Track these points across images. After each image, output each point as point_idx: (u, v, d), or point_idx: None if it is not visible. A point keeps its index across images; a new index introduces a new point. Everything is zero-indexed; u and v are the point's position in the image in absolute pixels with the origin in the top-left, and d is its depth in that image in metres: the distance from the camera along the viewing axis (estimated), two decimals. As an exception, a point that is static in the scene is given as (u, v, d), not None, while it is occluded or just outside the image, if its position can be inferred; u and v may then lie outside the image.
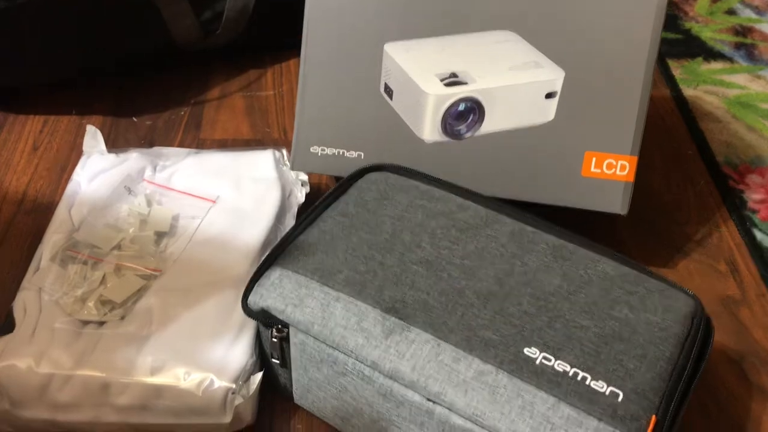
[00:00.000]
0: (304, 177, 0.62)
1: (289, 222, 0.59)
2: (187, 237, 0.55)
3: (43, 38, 0.70)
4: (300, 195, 0.61)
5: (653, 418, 0.40)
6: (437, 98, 0.55)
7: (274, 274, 0.47)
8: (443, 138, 0.56)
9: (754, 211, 0.67)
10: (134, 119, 0.75)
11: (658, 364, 0.42)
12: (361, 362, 0.43)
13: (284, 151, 0.63)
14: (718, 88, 0.83)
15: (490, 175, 0.56)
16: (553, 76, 0.54)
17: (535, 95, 0.54)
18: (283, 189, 0.60)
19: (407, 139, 0.56)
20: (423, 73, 0.55)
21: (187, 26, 0.77)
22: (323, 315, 0.44)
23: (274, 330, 0.46)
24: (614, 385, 0.41)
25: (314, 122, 0.58)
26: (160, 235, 0.56)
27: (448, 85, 0.55)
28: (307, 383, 0.47)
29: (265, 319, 0.46)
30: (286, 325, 0.46)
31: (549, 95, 0.54)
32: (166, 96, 0.79)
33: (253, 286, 0.47)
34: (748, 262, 0.62)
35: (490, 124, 0.55)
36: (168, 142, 0.73)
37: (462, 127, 0.55)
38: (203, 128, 0.75)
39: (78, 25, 0.71)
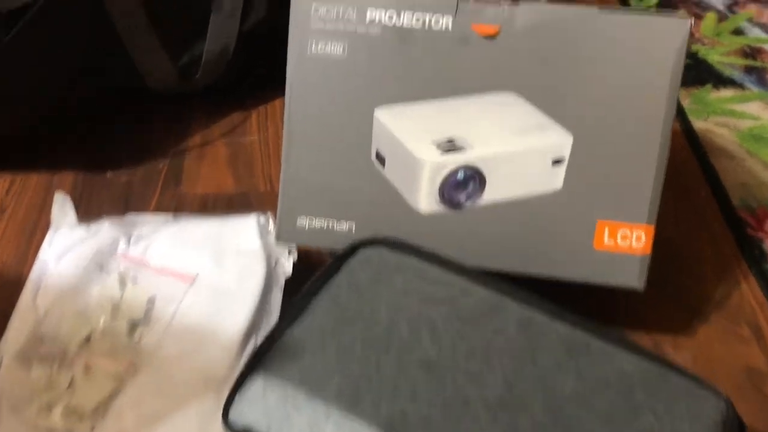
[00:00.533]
0: (292, 245, 0.57)
1: (276, 299, 0.54)
2: (163, 325, 0.51)
3: None
4: (287, 265, 0.56)
5: None
6: (433, 166, 0.50)
7: (258, 384, 0.42)
8: (441, 209, 0.51)
9: (775, 264, 0.62)
10: (108, 175, 0.70)
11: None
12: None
13: (269, 216, 0.58)
14: (729, 119, 0.78)
15: (493, 248, 0.51)
16: (560, 141, 0.49)
17: (541, 162, 0.50)
18: (269, 260, 0.55)
19: (403, 210, 0.52)
20: (417, 140, 0.50)
21: (163, 72, 0.71)
22: (313, 435, 0.40)
23: (258, 448, 0.41)
24: None
25: (301, 190, 0.53)
26: (133, 324, 0.51)
27: (445, 152, 0.50)
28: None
29: (249, 436, 0.42)
30: (272, 444, 0.41)
31: (556, 162, 0.49)
32: (143, 145, 0.74)
33: (233, 398, 0.42)
34: (772, 324, 0.58)
35: (492, 193, 0.50)
36: (145, 201, 0.68)
37: (461, 197, 0.51)
38: (184, 182, 0.70)
39: (39, 69, 0.65)
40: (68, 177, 0.70)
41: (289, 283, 0.56)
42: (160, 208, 0.67)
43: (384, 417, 0.40)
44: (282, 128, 0.76)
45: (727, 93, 0.82)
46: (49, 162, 0.71)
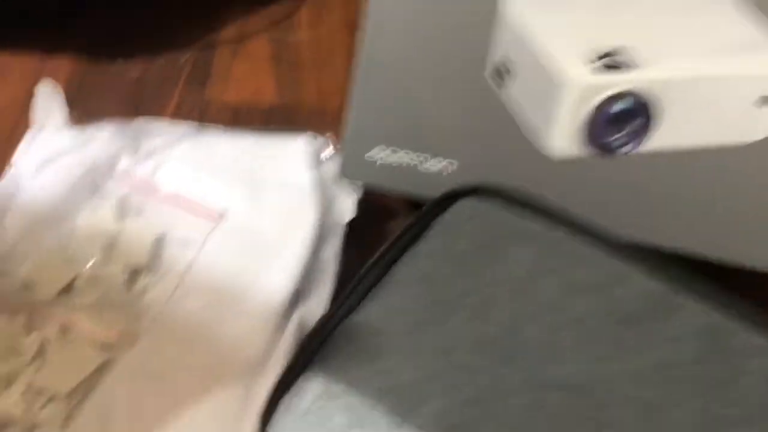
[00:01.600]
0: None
1: (330, 256, 0.39)
2: (174, 278, 0.36)
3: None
4: (347, 211, 0.41)
5: None
6: (582, 89, 0.34)
7: (312, 391, 0.28)
8: (584, 152, 0.36)
9: None
10: (116, 66, 0.55)
11: None
12: None
13: (327, 140, 0.43)
14: None
15: (657, 217, 0.36)
16: (779, 69, 0.33)
17: (743, 97, 0.34)
18: (322, 202, 0.40)
19: (524, 150, 0.36)
20: (561, 49, 0.34)
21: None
22: (398, 487, 0.26)
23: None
24: None
25: (379, 109, 0.37)
26: (134, 273, 0.36)
27: (601, 69, 0.34)
28: None
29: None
30: (330, 487, 0.27)
31: (767, 100, 0.34)
32: (163, 32, 0.58)
33: (274, 409, 0.28)
34: None
35: (662, 137, 0.35)
36: (160, 105, 0.52)
37: (617, 138, 0.35)
38: (211, 84, 0.54)
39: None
40: (64, 64, 0.54)
41: (347, 236, 0.41)
42: (178, 115, 0.51)
43: (512, 473, 0.26)
44: (341, 26, 0.60)
45: None
46: (41, 41, 0.56)
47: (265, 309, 0.35)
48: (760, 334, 0.30)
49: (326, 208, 0.40)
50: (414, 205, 0.46)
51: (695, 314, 0.31)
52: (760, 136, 0.34)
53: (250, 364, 0.33)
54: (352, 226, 0.41)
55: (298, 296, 0.36)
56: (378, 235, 0.46)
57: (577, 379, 0.28)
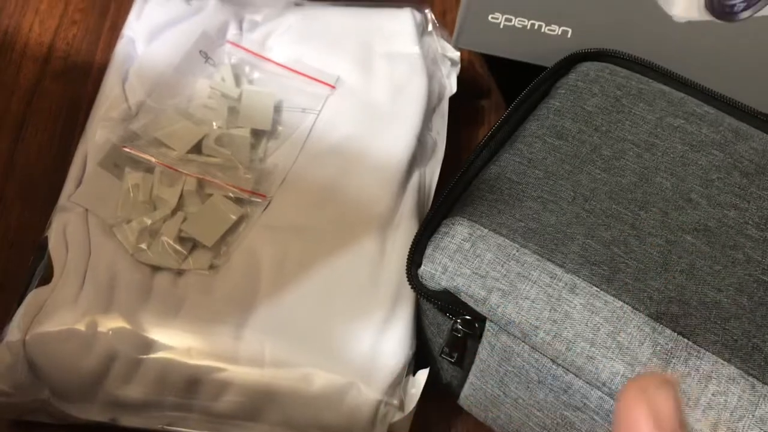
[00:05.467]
0: (454, 54, 0.42)
1: (440, 123, 0.40)
2: (296, 143, 0.37)
3: None
4: (450, 81, 0.42)
5: None
6: (707, -49, 0.34)
7: (461, 231, 0.29)
8: (705, 16, 0.36)
9: None
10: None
11: None
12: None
13: (428, 13, 0.43)
14: None
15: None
16: None
17: None
18: (429, 72, 0.41)
19: (645, 14, 0.37)
20: None
21: None
22: (553, 316, 0.27)
23: (459, 322, 0.29)
24: None
25: (495, -24, 0.37)
26: (258, 136, 0.38)
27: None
28: (496, 397, 0.31)
29: (448, 304, 0.29)
30: (482, 318, 0.29)
31: None
32: None
33: (425, 247, 0.30)
34: None
35: (783, 1, 0.35)
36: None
37: (737, 2, 0.35)
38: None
39: None
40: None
41: (453, 105, 0.42)
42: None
43: (655, 298, 0.27)
44: None
45: None
46: None
47: (387, 169, 0.36)
48: None
49: (433, 80, 0.41)
50: (502, 85, 0.47)
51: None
52: None
53: (380, 218, 0.34)
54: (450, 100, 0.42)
55: (414, 161, 0.37)
56: (473, 111, 0.47)
57: (707, 221, 0.30)
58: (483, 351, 0.30)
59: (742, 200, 0.30)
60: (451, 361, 0.31)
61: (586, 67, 0.35)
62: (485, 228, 0.29)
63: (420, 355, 0.33)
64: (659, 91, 0.34)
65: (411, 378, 0.31)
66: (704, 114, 0.33)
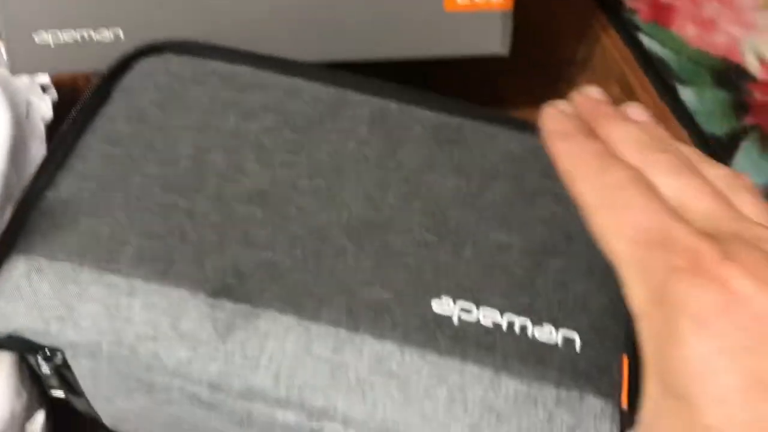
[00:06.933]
0: (44, 78, 0.41)
1: (37, 154, 0.39)
2: None
3: None
4: (45, 106, 0.40)
5: (624, 359, 0.28)
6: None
7: (18, 268, 0.29)
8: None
9: (633, 12, 0.55)
10: None
11: (611, 277, 0.30)
12: (196, 384, 0.28)
13: None
14: None
15: (317, 33, 0.38)
16: None
17: None
18: (15, 103, 0.39)
19: (190, 4, 0.37)
20: None
21: None
22: (113, 324, 0.27)
23: (39, 358, 0.29)
24: (565, 326, 0.28)
25: (29, -7, 0.36)
26: None
27: None
28: (119, 413, 0.31)
29: (21, 345, 0.29)
30: (58, 348, 0.29)
31: None
32: None
33: (-17, 299, 0.29)
34: (640, 78, 0.51)
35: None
36: None
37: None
38: None
39: None
40: None
41: (52, 133, 0.40)
42: None
43: (211, 276, 0.28)
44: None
45: None
46: None
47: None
48: (421, 108, 0.34)
49: (22, 112, 0.39)
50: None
51: (362, 106, 0.34)
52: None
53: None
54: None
55: (5, 200, 0.36)
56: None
57: (262, 185, 0.31)
58: (79, 377, 0.29)
59: (293, 155, 0.32)
60: (62, 396, 0.30)
61: (142, 64, 0.35)
62: (43, 258, 0.29)
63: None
64: (211, 70, 0.35)
65: (27, 425, 0.30)
66: (260, 82, 0.34)
